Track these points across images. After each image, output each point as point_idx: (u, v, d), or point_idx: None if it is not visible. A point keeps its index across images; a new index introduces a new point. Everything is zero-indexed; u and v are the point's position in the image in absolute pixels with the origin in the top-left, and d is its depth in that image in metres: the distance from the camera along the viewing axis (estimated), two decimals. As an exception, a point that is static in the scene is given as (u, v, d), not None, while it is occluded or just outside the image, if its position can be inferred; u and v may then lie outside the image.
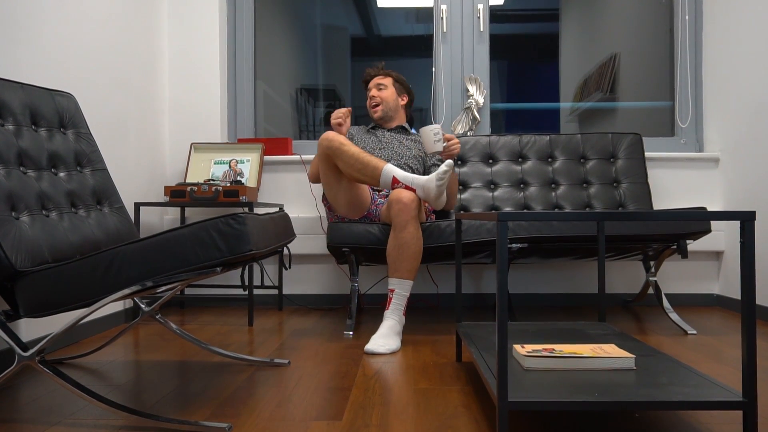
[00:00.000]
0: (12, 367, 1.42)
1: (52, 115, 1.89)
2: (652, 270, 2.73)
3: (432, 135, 2.40)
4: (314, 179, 2.74)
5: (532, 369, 1.45)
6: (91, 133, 2.02)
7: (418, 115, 3.63)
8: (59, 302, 1.43)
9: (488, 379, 1.37)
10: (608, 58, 3.72)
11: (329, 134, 2.35)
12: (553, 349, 1.52)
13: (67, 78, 2.35)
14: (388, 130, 2.86)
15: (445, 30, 3.37)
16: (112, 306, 2.65)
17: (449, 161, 2.24)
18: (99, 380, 1.82)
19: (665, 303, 2.61)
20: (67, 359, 2.06)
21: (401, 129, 2.88)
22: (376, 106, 2.83)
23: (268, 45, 3.65)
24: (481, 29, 3.36)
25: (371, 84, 2.87)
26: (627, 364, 1.46)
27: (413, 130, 2.94)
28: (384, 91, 2.84)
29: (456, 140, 2.49)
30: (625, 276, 3.24)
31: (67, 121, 1.95)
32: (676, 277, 3.23)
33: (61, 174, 1.84)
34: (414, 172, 2.75)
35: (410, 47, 3.86)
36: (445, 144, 2.45)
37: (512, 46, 3.87)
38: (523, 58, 3.98)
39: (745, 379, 1.23)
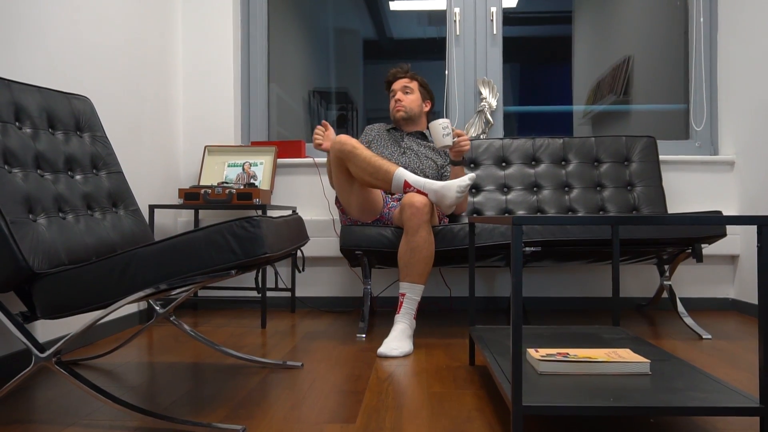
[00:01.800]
0: (29, 368, 1.43)
1: (69, 118, 1.90)
2: (667, 274, 2.71)
3: (441, 129, 2.40)
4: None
5: (546, 373, 1.45)
6: (106, 136, 2.04)
7: (430, 117, 3.63)
8: (76, 304, 1.45)
9: (502, 383, 1.37)
10: (622, 60, 3.70)
11: (342, 137, 2.35)
12: (568, 354, 1.51)
13: (82, 81, 2.37)
14: (408, 134, 2.86)
15: (458, 33, 3.37)
16: (126, 308, 2.66)
17: (472, 175, 2.25)
18: (114, 381, 1.84)
19: (680, 307, 2.59)
20: (82, 360, 2.08)
21: (420, 134, 2.87)
22: (400, 108, 2.81)
23: (281, 48, 3.67)
24: (494, 32, 3.35)
25: (396, 86, 2.83)
26: (642, 369, 1.45)
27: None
28: (410, 95, 2.81)
29: (466, 138, 2.49)
30: (639, 280, 3.22)
31: (84, 124, 1.96)
32: (690, 280, 3.20)
33: (78, 177, 1.85)
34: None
35: (423, 50, 3.86)
36: (455, 139, 2.45)
37: (525, 48, 3.85)
38: (536, 61, 3.97)
39: (763, 384, 1.22)
